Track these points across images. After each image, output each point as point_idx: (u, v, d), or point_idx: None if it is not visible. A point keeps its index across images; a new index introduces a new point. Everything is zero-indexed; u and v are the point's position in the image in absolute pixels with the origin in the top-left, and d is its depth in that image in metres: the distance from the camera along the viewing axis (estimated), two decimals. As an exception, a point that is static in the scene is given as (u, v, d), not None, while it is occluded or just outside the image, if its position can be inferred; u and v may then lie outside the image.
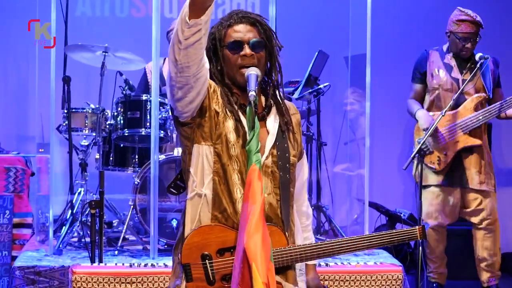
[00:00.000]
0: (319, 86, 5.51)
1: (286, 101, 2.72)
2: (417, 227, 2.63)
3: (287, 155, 2.58)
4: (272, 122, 2.59)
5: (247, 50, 2.52)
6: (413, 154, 4.30)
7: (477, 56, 4.70)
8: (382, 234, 2.61)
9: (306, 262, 2.74)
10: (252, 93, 2.43)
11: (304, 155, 2.78)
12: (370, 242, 2.60)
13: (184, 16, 2.29)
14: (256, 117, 2.45)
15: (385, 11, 6.09)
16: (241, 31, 2.54)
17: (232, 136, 2.51)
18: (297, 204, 2.76)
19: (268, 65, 2.61)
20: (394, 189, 6.40)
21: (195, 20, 2.29)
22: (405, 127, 6.39)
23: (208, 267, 2.48)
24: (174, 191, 2.70)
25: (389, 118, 6.39)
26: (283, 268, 2.53)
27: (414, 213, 5.86)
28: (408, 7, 6.62)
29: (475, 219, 4.85)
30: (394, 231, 2.64)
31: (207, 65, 2.44)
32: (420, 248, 4.40)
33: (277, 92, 2.63)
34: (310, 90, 5.48)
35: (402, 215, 5.91)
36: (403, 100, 5.76)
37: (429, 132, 4.47)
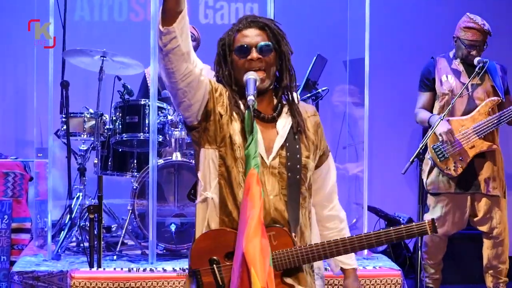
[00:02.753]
0: (318, 90, 5.51)
1: (305, 104, 2.74)
2: (426, 220, 2.55)
3: (298, 156, 2.56)
4: (283, 123, 2.59)
5: (254, 54, 2.53)
6: (412, 158, 4.27)
7: (475, 60, 4.69)
8: (390, 230, 2.55)
9: (343, 267, 2.74)
10: (250, 98, 2.43)
11: (330, 158, 2.75)
12: (378, 238, 2.54)
13: (157, 24, 2.33)
14: (255, 121, 2.45)
15: (384, 14, 6.09)
16: (249, 36, 2.55)
17: (237, 138, 2.51)
18: (326, 210, 2.75)
19: (279, 68, 2.61)
20: (393, 193, 6.39)
21: (167, 28, 2.33)
22: (404, 131, 6.39)
23: (217, 271, 2.48)
24: (194, 198, 2.69)
25: (387, 122, 6.39)
26: (294, 271, 2.52)
27: (414, 217, 5.86)
28: (406, 11, 6.63)
29: (484, 228, 4.80)
30: (402, 226, 2.55)
31: (197, 69, 2.45)
32: (419, 252, 4.39)
33: (290, 94, 2.63)
34: (309, 94, 5.48)
35: (401, 219, 5.90)
36: (402, 104, 5.77)
37: (428, 135, 4.46)
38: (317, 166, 2.68)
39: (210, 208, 2.52)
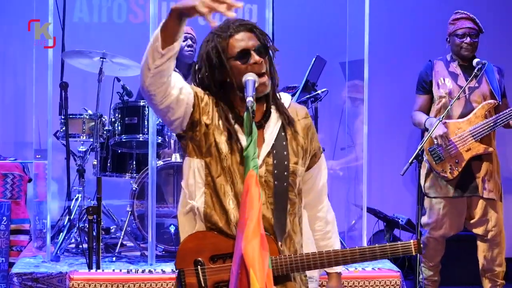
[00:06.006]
0: (317, 92, 5.51)
1: (297, 106, 2.70)
2: (411, 241, 2.55)
3: (285, 163, 2.54)
4: (270, 130, 2.56)
5: (256, 57, 2.49)
6: (411, 160, 4.28)
7: (474, 62, 4.70)
8: (376, 248, 2.55)
9: (327, 270, 2.73)
10: (249, 99, 2.40)
11: (322, 158, 2.72)
12: (363, 254, 2.55)
13: (156, 46, 2.32)
14: (254, 123, 2.44)
15: (383, 16, 6.09)
16: (244, 39, 2.51)
17: (224, 147, 2.49)
18: (315, 210, 2.73)
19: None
20: (392, 194, 6.40)
21: (168, 47, 2.32)
22: (403, 132, 6.39)
23: (200, 273, 2.48)
24: None
25: (386, 123, 6.39)
26: (282, 278, 2.51)
27: (412, 219, 5.86)
28: (406, 12, 6.63)
29: (479, 230, 4.80)
30: (388, 244, 2.56)
31: (175, 90, 2.43)
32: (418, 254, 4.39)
33: (276, 91, 2.60)
34: (308, 96, 5.47)
35: (400, 220, 5.90)
36: (401, 105, 5.77)
37: (427, 137, 4.47)
38: (308, 168, 2.66)
39: (196, 216, 2.52)
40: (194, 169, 2.52)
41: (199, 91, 2.54)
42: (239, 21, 2.56)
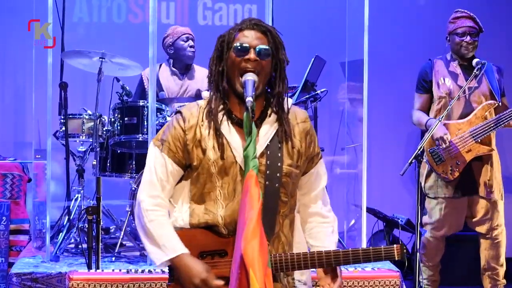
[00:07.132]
0: (316, 92, 5.51)
1: (297, 109, 2.71)
2: (395, 246, 2.56)
3: (279, 164, 2.55)
4: (265, 131, 2.57)
5: (251, 54, 2.53)
6: (410, 160, 4.27)
7: (474, 62, 4.70)
8: (359, 251, 2.56)
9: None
10: (249, 99, 2.42)
11: (320, 164, 2.73)
12: (346, 257, 2.56)
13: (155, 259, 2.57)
14: (253, 122, 2.45)
15: (382, 15, 6.09)
16: (250, 36, 2.56)
17: (212, 154, 2.52)
18: (310, 208, 2.73)
19: (274, 76, 2.61)
20: (392, 194, 6.40)
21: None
22: (403, 132, 6.39)
23: None
24: None
25: (386, 123, 6.39)
26: None
27: (412, 219, 5.86)
28: (405, 12, 6.64)
29: (481, 229, 4.80)
30: (371, 248, 2.57)
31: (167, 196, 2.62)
32: (418, 254, 4.39)
33: (283, 102, 2.61)
34: (307, 96, 5.47)
35: (399, 220, 5.90)
36: (400, 105, 5.76)
37: (427, 137, 4.47)
38: (304, 172, 2.67)
39: (182, 227, 2.58)
40: (184, 190, 2.60)
41: (178, 132, 2.58)
42: (257, 21, 2.61)
